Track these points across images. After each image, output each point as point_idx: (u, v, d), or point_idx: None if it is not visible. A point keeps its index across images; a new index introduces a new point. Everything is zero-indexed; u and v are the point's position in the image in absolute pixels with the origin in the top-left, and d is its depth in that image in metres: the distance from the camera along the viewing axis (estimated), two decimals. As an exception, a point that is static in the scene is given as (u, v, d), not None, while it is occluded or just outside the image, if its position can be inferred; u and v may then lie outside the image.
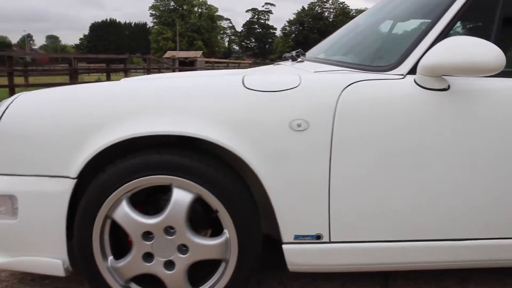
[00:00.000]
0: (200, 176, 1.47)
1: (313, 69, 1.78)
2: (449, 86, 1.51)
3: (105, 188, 1.49)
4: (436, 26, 1.56)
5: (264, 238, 1.61)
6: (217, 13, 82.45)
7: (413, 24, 1.71)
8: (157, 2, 78.11)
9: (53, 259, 1.55)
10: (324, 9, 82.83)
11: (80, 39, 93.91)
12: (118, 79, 2.37)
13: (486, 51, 1.39)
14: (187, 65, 23.08)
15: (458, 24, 1.62)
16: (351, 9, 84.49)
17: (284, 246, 1.54)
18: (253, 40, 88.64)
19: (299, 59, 2.16)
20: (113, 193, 1.50)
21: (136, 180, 1.49)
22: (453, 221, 1.55)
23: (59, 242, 1.53)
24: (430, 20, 1.59)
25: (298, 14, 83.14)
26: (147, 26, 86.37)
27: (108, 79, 13.84)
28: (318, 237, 1.53)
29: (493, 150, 1.52)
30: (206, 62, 30.78)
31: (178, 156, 1.47)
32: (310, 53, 2.36)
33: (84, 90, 1.59)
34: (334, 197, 1.50)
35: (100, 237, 1.55)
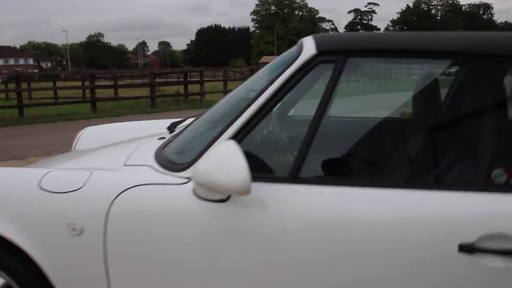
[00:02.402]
0: (4, 266, 1.60)
1: (134, 159, 1.75)
2: (228, 197, 1.37)
3: None
4: (231, 127, 1.43)
5: None
6: (318, 15, 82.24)
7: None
8: (258, 7, 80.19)
9: None
10: (431, 7, 78.25)
11: (187, 44, 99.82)
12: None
13: (231, 174, 1.25)
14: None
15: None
16: (463, 5, 78.55)
17: None
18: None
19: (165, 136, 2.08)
20: None
21: None
22: None
23: None
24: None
25: (403, 13, 79.56)
26: (250, 31, 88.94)
27: (186, 90, 14.61)
28: None
29: (273, 271, 1.37)
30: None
31: None
32: None
33: None
34: None
35: None
